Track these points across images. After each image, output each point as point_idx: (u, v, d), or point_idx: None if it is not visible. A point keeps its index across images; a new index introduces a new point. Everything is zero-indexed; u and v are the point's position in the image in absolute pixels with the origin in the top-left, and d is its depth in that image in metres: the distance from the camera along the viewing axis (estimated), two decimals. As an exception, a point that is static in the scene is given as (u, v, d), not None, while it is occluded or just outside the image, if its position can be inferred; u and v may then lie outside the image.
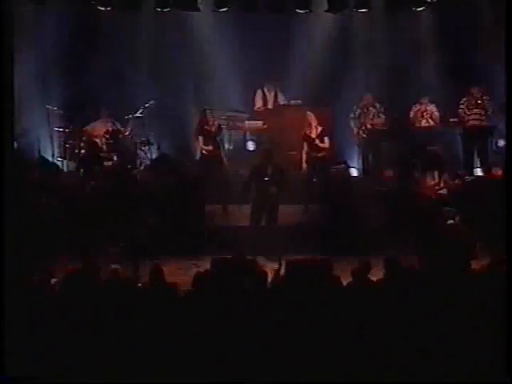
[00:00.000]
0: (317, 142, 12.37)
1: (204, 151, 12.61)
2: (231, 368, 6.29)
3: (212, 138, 12.52)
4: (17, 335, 6.32)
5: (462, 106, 13.48)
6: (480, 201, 11.40)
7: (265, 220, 11.38)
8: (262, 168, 11.40)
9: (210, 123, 12.54)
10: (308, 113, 12.54)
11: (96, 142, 13.26)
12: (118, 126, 13.60)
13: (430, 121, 13.79)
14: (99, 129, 13.56)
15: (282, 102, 14.16)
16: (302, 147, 12.53)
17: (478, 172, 13.40)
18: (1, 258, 6.97)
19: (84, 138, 13.41)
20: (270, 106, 14.17)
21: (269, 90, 14.15)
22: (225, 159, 12.66)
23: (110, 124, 13.60)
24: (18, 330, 6.34)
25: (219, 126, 12.71)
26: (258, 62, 14.35)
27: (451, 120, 13.79)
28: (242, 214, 11.98)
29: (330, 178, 12.52)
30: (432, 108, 13.81)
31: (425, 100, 13.80)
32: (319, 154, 12.42)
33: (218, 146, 12.58)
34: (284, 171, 11.57)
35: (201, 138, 12.69)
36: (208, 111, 12.54)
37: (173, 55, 14.43)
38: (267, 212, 11.36)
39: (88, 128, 13.59)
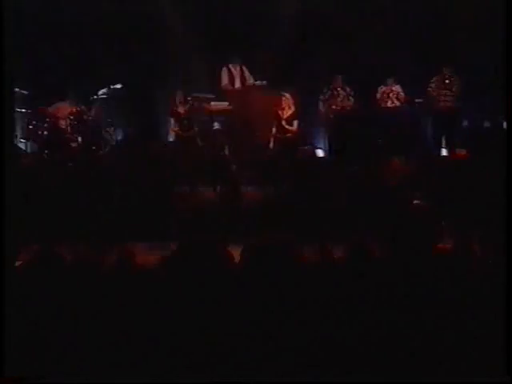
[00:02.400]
0: (285, 123, 12.31)
1: (176, 133, 12.50)
2: (198, 350, 6.26)
3: (183, 119, 12.41)
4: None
5: (431, 85, 13.50)
6: (445, 181, 11.50)
7: (232, 202, 11.29)
8: (229, 150, 11.28)
9: (180, 105, 12.42)
10: (283, 93, 12.44)
11: (60, 123, 13.17)
12: (83, 107, 13.47)
13: (395, 101, 13.82)
14: (63, 110, 13.45)
15: (248, 78, 14.06)
16: (271, 128, 12.46)
17: (444, 152, 13.51)
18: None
19: (47, 119, 13.28)
20: (236, 82, 14.06)
21: (234, 66, 14.05)
22: (198, 140, 12.57)
23: (74, 105, 13.49)
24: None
25: (191, 107, 12.59)
26: (224, 41, 14.23)
27: (417, 101, 13.85)
28: (208, 196, 11.93)
29: (296, 160, 12.55)
30: (398, 89, 13.84)
31: (390, 81, 13.83)
32: (286, 136, 12.37)
33: (190, 127, 12.46)
34: (249, 153, 11.47)
35: (172, 120, 12.59)
36: (178, 92, 12.42)
37: (136, 35, 14.30)
38: (234, 195, 11.27)
39: (51, 109, 13.46)
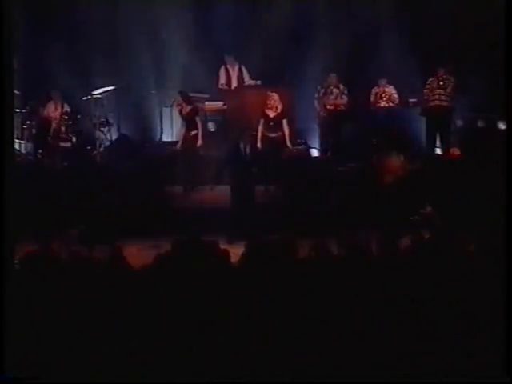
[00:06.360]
0: (273, 123, 12.28)
1: (181, 134, 12.48)
2: (192, 349, 6.25)
3: (186, 120, 12.38)
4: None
5: (427, 87, 13.50)
6: (441, 180, 11.52)
7: (244, 201, 11.15)
8: (239, 149, 11.14)
9: (183, 106, 12.39)
10: (270, 93, 12.41)
11: (54, 123, 13.16)
12: (77, 107, 13.44)
13: (389, 102, 13.81)
14: (54, 110, 13.40)
15: (246, 77, 13.96)
16: (258, 127, 12.45)
17: (438, 152, 13.52)
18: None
19: (41, 119, 13.26)
20: (234, 81, 13.99)
21: (232, 66, 14.00)
22: (200, 140, 12.52)
23: (66, 105, 13.45)
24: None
25: (193, 107, 12.54)
26: (219, 41, 14.18)
27: (410, 100, 13.85)
28: (203, 195, 11.92)
29: (287, 159, 12.52)
30: (391, 89, 13.83)
31: (383, 82, 13.81)
32: (274, 135, 12.35)
33: (193, 128, 12.43)
34: (261, 151, 11.31)
35: (179, 121, 12.58)
36: (181, 93, 12.39)
37: (131, 35, 14.26)
38: (245, 193, 11.14)
39: (45, 109, 13.43)
